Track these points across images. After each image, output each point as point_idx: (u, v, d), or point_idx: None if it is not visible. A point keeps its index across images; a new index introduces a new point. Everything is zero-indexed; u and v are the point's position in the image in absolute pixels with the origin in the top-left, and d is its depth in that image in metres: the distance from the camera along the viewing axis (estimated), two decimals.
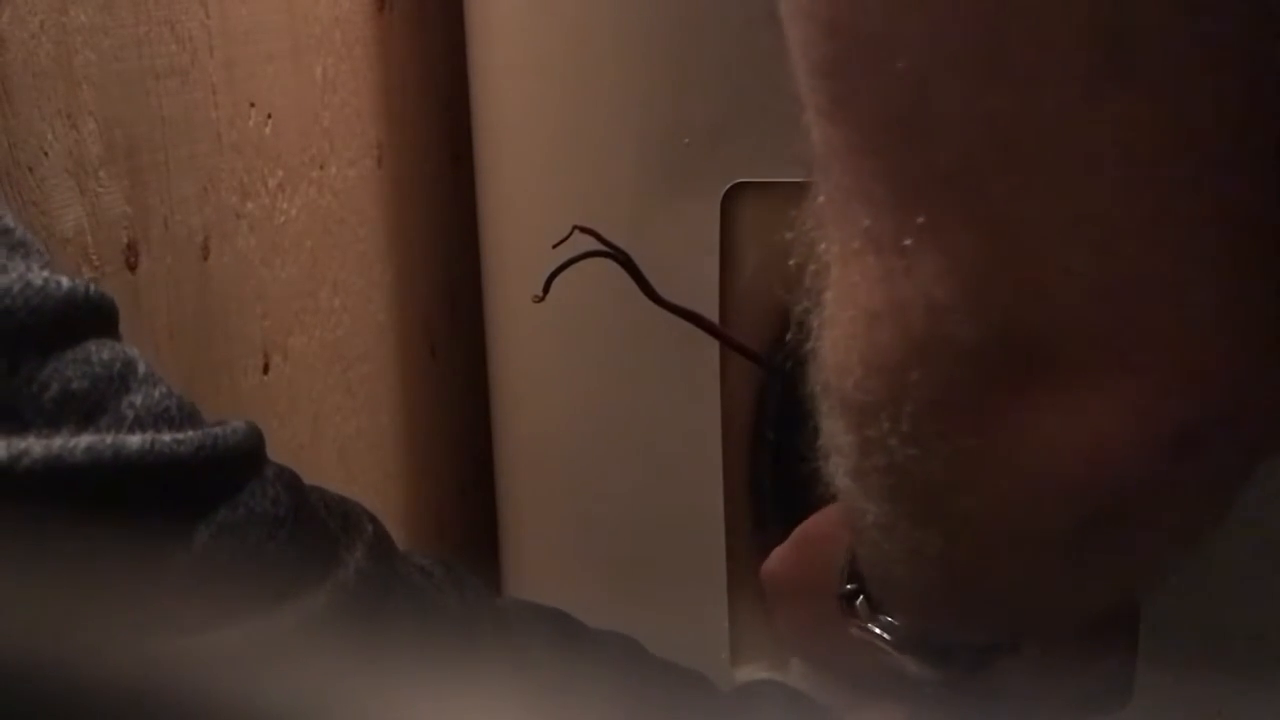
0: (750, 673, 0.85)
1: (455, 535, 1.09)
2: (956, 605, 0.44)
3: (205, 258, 0.68)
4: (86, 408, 0.36)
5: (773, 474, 0.83)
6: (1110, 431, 0.33)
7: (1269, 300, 0.31)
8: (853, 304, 0.35)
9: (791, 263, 0.40)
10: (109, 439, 0.35)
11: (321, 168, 0.83)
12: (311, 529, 0.42)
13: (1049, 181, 0.31)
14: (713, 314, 0.76)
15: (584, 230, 0.67)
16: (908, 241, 0.33)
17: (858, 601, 0.51)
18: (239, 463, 0.40)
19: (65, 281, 0.37)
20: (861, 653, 0.51)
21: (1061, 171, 0.30)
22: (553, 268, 0.65)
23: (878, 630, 0.50)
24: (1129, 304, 0.31)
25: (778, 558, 0.60)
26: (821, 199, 0.37)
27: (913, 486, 0.38)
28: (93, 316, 0.38)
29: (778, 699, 0.57)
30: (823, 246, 0.38)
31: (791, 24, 0.34)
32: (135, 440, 0.36)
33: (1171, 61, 0.29)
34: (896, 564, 0.43)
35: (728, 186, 0.76)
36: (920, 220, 0.32)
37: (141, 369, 0.39)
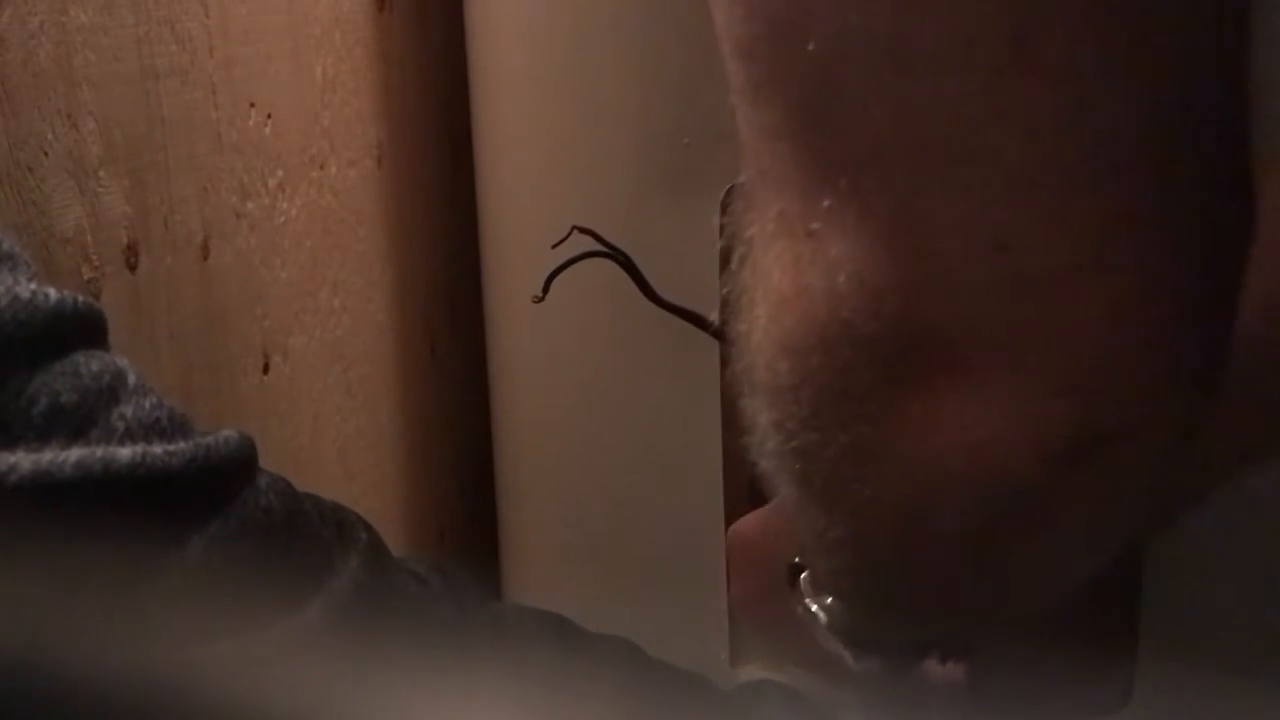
0: (750, 673, 0.85)
1: (455, 535, 1.09)
2: (871, 596, 0.44)
3: (205, 258, 0.67)
4: (76, 421, 0.36)
5: None
6: (998, 431, 0.32)
7: (1178, 308, 0.31)
8: (766, 287, 0.35)
9: (719, 244, 0.40)
10: (99, 452, 0.35)
11: (321, 168, 0.83)
12: (305, 538, 0.42)
13: (950, 172, 0.31)
14: (713, 314, 0.76)
15: (583, 230, 0.67)
16: (815, 225, 0.33)
17: (802, 577, 0.51)
18: (231, 473, 0.40)
19: (53, 293, 0.37)
20: (801, 629, 0.51)
21: (962, 162, 0.30)
22: (552, 268, 0.65)
23: (815, 608, 0.50)
24: (1024, 302, 0.31)
25: (746, 522, 0.60)
26: (744, 180, 0.37)
27: (814, 473, 0.38)
28: (81, 328, 0.38)
29: (778, 700, 0.57)
30: (742, 229, 0.38)
31: (715, 4, 0.34)
32: (126, 453, 0.36)
33: (1077, 57, 0.29)
34: (814, 552, 0.43)
35: (728, 186, 0.76)
36: (826, 204, 0.32)
37: (131, 380, 0.38)
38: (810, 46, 0.31)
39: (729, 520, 0.82)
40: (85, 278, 0.56)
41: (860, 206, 0.32)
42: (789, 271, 0.34)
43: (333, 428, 0.86)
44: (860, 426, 0.35)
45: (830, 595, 0.50)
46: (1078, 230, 0.30)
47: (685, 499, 0.82)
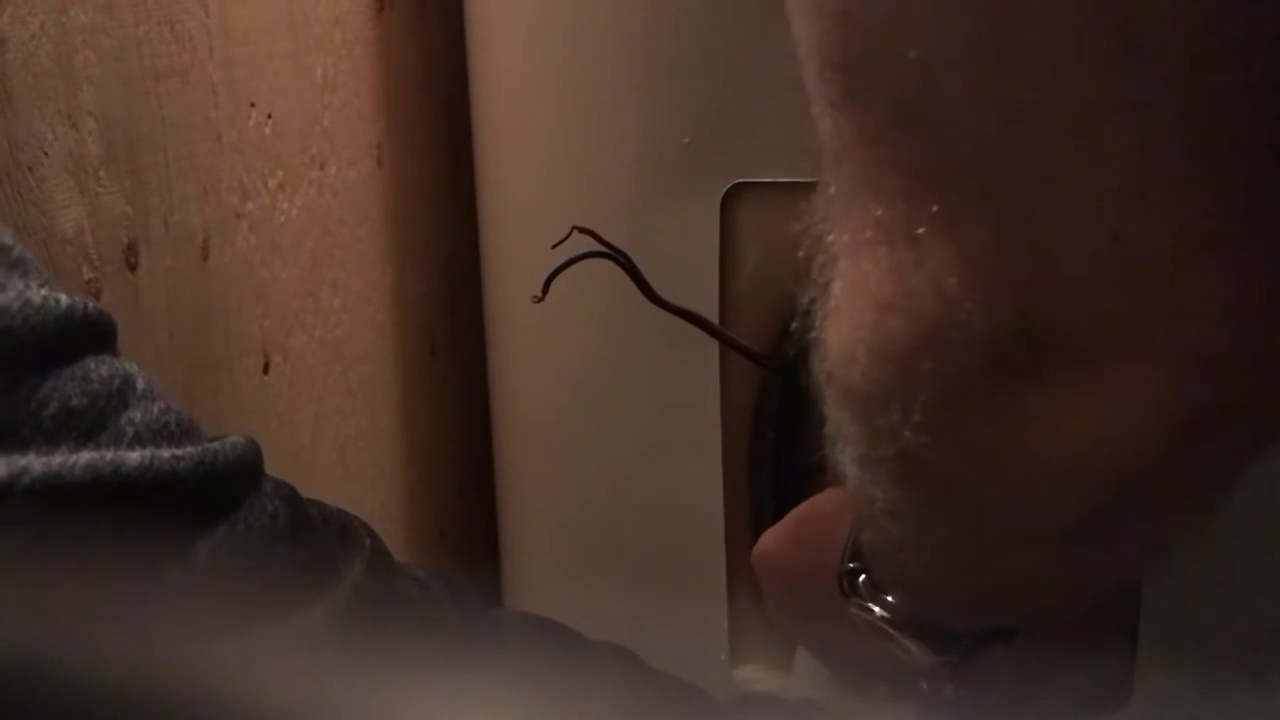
0: (749, 674, 0.85)
1: (455, 536, 1.09)
2: (962, 591, 0.44)
3: (205, 258, 0.68)
4: (86, 425, 0.36)
5: (773, 474, 0.83)
6: (1122, 417, 0.33)
7: None
8: (862, 294, 0.35)
9: (800, 254, 0.40)
10: (108, 456, 0.36)
11: (321, 168, 0.83)
12: (309, 543, 0.42)
13: (1061, 168, 0.31)
14: (713, 314, 0.76)
15: (583, 231, 0.67)
16: (920, 231, 0.33)
17: (860, 580, 0.51)
18: (238, 478, 0.40)
19: (64, 299, 0.37)
20: (857, 634, 0.51)
21: (1074, 157, 0.30)
22: (552, 268, 0.65)
23: (878, 610, 0.50)
24: (1142, 289, 0.31)
25: (771, 539, 0.60)
26: (832, 190, 0.37)
27: (923, 475, 0.38)
28: (91, 333, 0.38)
29: (774, 711, 0.57)
30: (831, 238, 0.38)
31: (800, 16, 0.34)
32: (134, 457, 0.36)
33: (1186, 41, 0.29)
34: (904, 550, 0.43)
35: (728, 186, 0.76)
36: (933, 209, 0.32)
37: (140, 385, 0.39)
38: (910, 53, 0.31)
39: (729, 520, 0.82)
40: (85, 278, 0.56)
41: (969, 209, 0.32)
42: (889, 277, 0.34)
43: (333, 428, 0.86)
44: (976, 427, 0.35)
45: (897, 594, 0.49)
46: (1194, 213, 0.30)
47: (685, 499, 0.82)
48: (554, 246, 0.66)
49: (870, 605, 0.50)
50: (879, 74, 0.32)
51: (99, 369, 0.37)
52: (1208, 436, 0.33)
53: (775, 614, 0.62)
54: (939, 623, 0.49)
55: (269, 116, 0.75)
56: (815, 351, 0.40)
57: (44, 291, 0.37)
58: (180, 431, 0.39)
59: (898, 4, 0.31)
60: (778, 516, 0.83)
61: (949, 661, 0.49)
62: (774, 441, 0.82)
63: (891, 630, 0.49)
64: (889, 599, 0.50)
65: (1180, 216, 0.30)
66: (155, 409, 0.39)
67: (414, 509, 1.02)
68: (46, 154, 0.53)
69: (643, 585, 0.83)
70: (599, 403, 0.84)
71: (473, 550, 1.06)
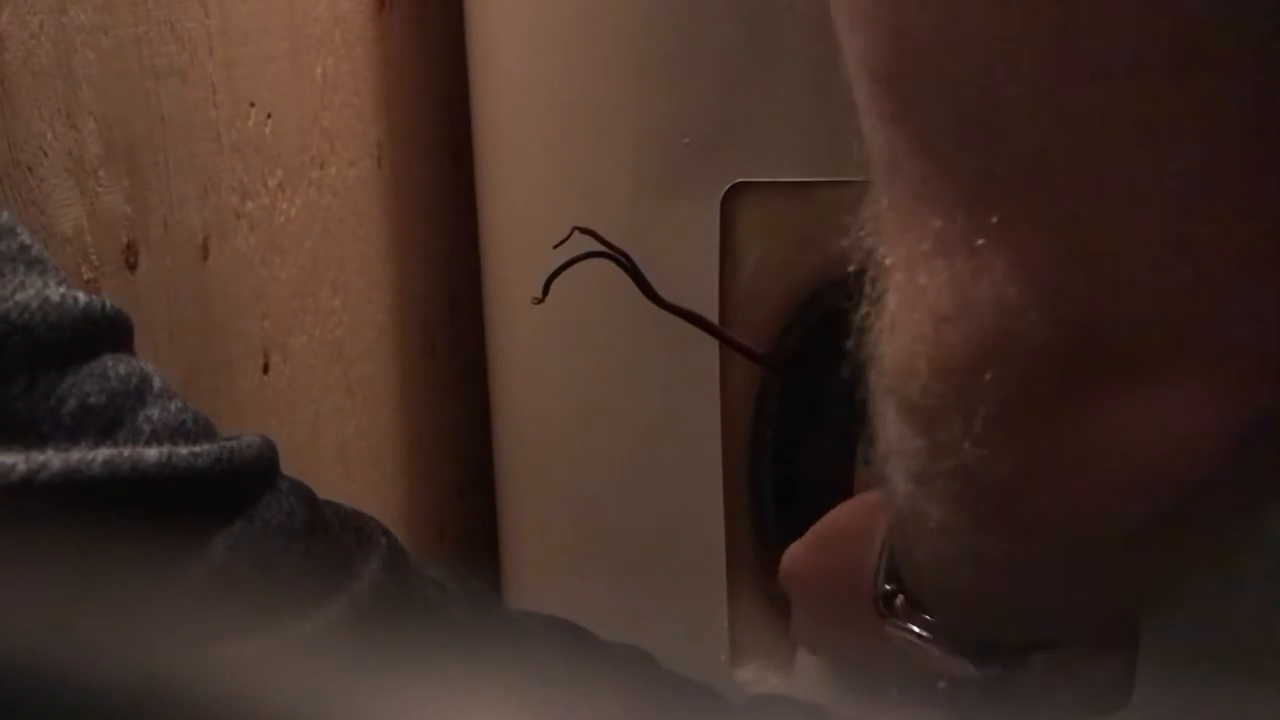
0: (749, 674, 0.85)
1: (454, 535, 1.09)
2: (1013, 606, 0.44)
3: (205, 258, 0.67)
4: (104, 422, 0.36)
5: (773, 474, 0.83)
6: (1184, 426, 0.32)
7: None
8: (920, 307, 0.35)
9: (850, 269, 0.40)
10: (126, 452, 0.36)
11: (321, 168, 0.83)
12: (326, 542, 0.42)
13: (1124, 177, 0.30)
14: (713, 314, 0.76)
15: (583, 231, 0.67)
16: (979, 242, 0.32)
17: (897, 601, 0.51)
18: (254, 476, 0.40)
19: (82, 297, 0.37)
20: (891, 651, 0.51)
21: (1137, 166, 0.30)
22: (553, 268, 0.65)
23: (918, 630, 0.50)
24: (1205, 299, 0.31)
25: (798, 557, 0.60)
26: (884, 204, 0.36)
27: (982, 489, 0.37)
28: (109, 331, 0.38)
29: (789, 713, 0.57)
30: (883, 251, 0.37)
31: (849, 30, 0.34)
32: (152, 453, 0.36)
33: (1254, 49, 0.28)
34: (957, 568, 0.42)
35: (728, 186, 0.76)
36: (993, 220, 0.32)
37: (157, 384, 0.39)
38: (967, 65, 0.31)
39: (729, 520, 0.82)
40: (85, 278, 0.56)
41: (1030, 219, 0.32)
42: (948, 290, 0.34)
43: (333, 428, 0.86)
44: (1038, 438, 0.35)
45: (943, 612, 0.49)
46: (1260, 220, 0.30)
47: (685, 499, 0.82)
48: (555, 247, 0.66)
49: (909, 625, 0.50)
50: (935, 85, 0.32)
51: (117, 367, 0.38)
52: (1268, 440, 0.33)
53: (805, 631, 0.61)
54: (983, 637, 0.48)
55: (269, 116, 0.75)
56: (871, 367, 0.40)
57: (62, 290, 0.37)
58: (197, 430, 0.39)
59: (954, 15, 0.31)
60: (778, 516, 0.83)
61: (994, 674, 0.49)
62: (774, 441, 0.82)
63: (932, 649, 0.49)
64: (927, 618, 0.49)
65: (1246, 226, 0.30)
66: (172, 407, 0.39)
67: (414, 509, 1.02)
68: (46, 154, 0.53)
69: (643, 585, 0.83)
70: (599, 403, 0.84)
71: (473, 550, 1.06)
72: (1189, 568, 0.40)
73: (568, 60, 0.79)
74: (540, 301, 0.65)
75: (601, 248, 0.67)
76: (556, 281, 0.65)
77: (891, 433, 0.40)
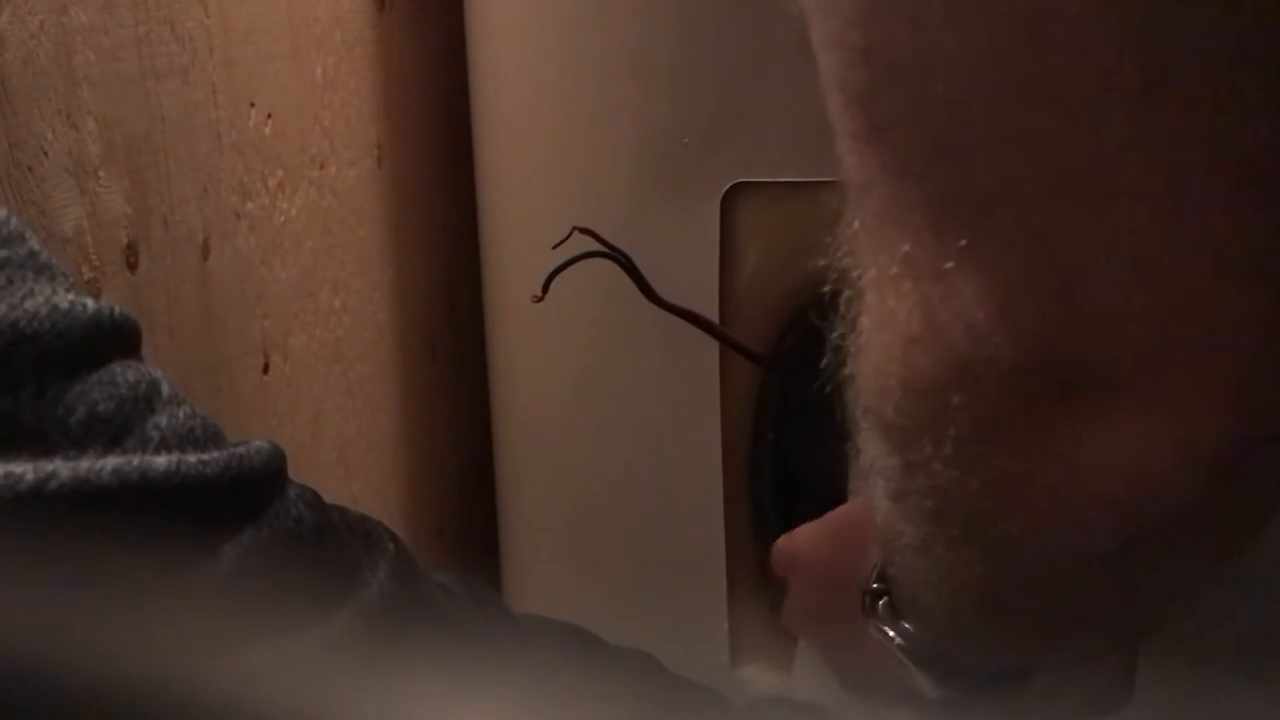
0: (750, 674, 0.85)
1: (455, 535, 1.09)
2: (985, 630, 0.44)
3: (205, 258, 0.67)
4: (113, 430, 0.36)
5: (773, 474, 0.83)
6: (1155, 451, 0.32)
7: None
8: (890, 330, 0.35)
9: (826, 289, 0.40)
10: (135, 460, 0.36)
11: (321, 168, 0.83)
12: (335, 548, 0.42)
13: (1090, 201, 0.30)
14: (712, 314, 0.76)
15: (583, 231, 0.67)
16: (948, 265, 0.33)
17: (881, 603, 0.51)
18: (263, 483, 0.40)
19: (90, 304, 0.37)
20: (872, 651, 0.51)
21: (1102, 191, 0.30)
22: (552, 268, 0.65)
23: (895, 636, 0.50)
24: (1172, 320, 0.31)
25: (803, 538, 0.60)
26: (856, 225, 0.36)
27: (954, 509, 0.37)
28: (117, 338, 0.38)
29: (793, 716, 0.57)
30: (857, 273, 0.38)
31: (824, 51, 0.34)
32: (161, 461, 0.36)
33: (1214, 78, 0.29)
34: (929, 588, 0.42)
35: (728, 186, 0.76)
36: (961, 243, 0.32)
37: (166, 390, 0.39)
38: (937, 88, 0.31)
39: (729, 520, 0.82)
40: (85, 278, 0.56)
41: (997, 242, 0.32)
42: (917, 312, 0.34)
43: (333, 428, 0.86)
44: (1005, 460, 0.35)
45: (916, 625, 0.49)
46: (1224, 246, 0.30)
47: (685, 499, 0.82)
48: (554, 247, 0.66)
49: (888, 630, 0.50)
50: (905, 108, 0.32)
51: (125, 374, 0.38)
52: (1239, 471, 0.33)
53: (793, 609, 0.61)
54: (954, 658, 0.48)
55: (269, 116, 0.75)
56: (850, 386, 0.40)
57: (71, 296, 0.37)
58: (206, 436, 0.39)
59: (923, 39, 0.31)
60: (778, 517, 0.83)
61: (957, 695, 0.49)
62: (774, 441, 0.82)
63: (904, 657, 0.49)
64: (907, 626, 0.49)
65: (1212, 247, 0.30)
66: (181, 414, 0.39)
67: (414, 509, 1.02)
68: (46, 154, 0.53)
69: (643, 585, 0.83)
70: (599, 403, 0.84)
71: (472, 550, 1.06)
72: (1171, 591, 0.40)
73: (567, 60, 0.79)
74: (540, 300, 0.65)
75: (601, 247, 0.67)
76: (556, 281, 0.65)
77: (871, 450, 0.40)
